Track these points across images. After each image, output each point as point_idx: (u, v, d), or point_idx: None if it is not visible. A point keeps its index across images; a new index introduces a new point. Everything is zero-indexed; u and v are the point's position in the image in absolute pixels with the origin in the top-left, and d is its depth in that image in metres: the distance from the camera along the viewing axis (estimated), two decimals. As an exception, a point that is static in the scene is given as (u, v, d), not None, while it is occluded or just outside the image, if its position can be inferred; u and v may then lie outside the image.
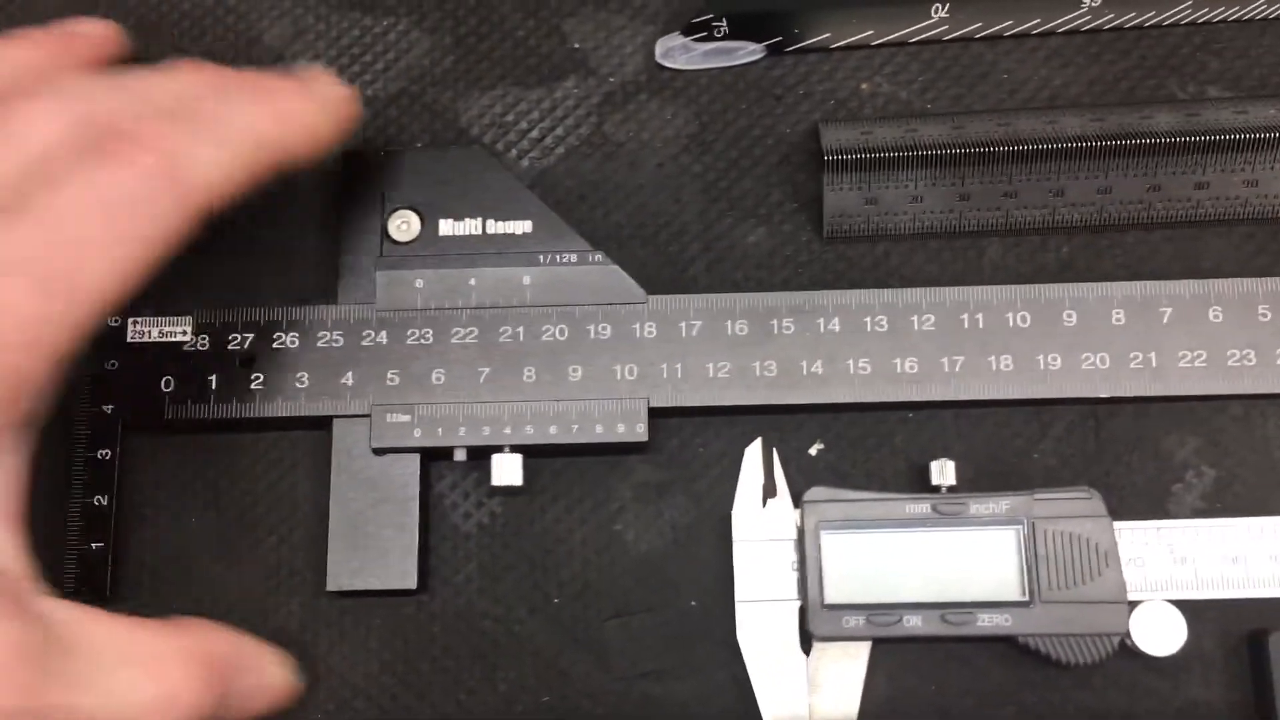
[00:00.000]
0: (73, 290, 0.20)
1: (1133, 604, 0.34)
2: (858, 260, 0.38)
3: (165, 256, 0.22)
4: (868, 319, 0.36)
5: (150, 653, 0.21)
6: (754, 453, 0.37)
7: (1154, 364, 0.36)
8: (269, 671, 0.27)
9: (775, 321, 0.37)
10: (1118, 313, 0.36)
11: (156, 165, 0.20)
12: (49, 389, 0.21)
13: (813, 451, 0.37)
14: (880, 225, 0.38)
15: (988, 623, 0.33)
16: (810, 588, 0.34)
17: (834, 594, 0.34)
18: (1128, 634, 0.34)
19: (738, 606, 0.35)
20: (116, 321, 0.36)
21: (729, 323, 0.37)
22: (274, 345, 0.37)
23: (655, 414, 0.36)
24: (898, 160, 0.36)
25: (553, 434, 0.36)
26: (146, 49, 0.40)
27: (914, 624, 0.34)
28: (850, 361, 0.36)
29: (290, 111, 0.25)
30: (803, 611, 0.34)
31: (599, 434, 0.36)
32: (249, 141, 0.23)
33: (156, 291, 0.32)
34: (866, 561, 0.34)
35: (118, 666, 0.20)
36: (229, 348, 0.37)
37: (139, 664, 0.21)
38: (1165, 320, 0.36)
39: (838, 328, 0.36)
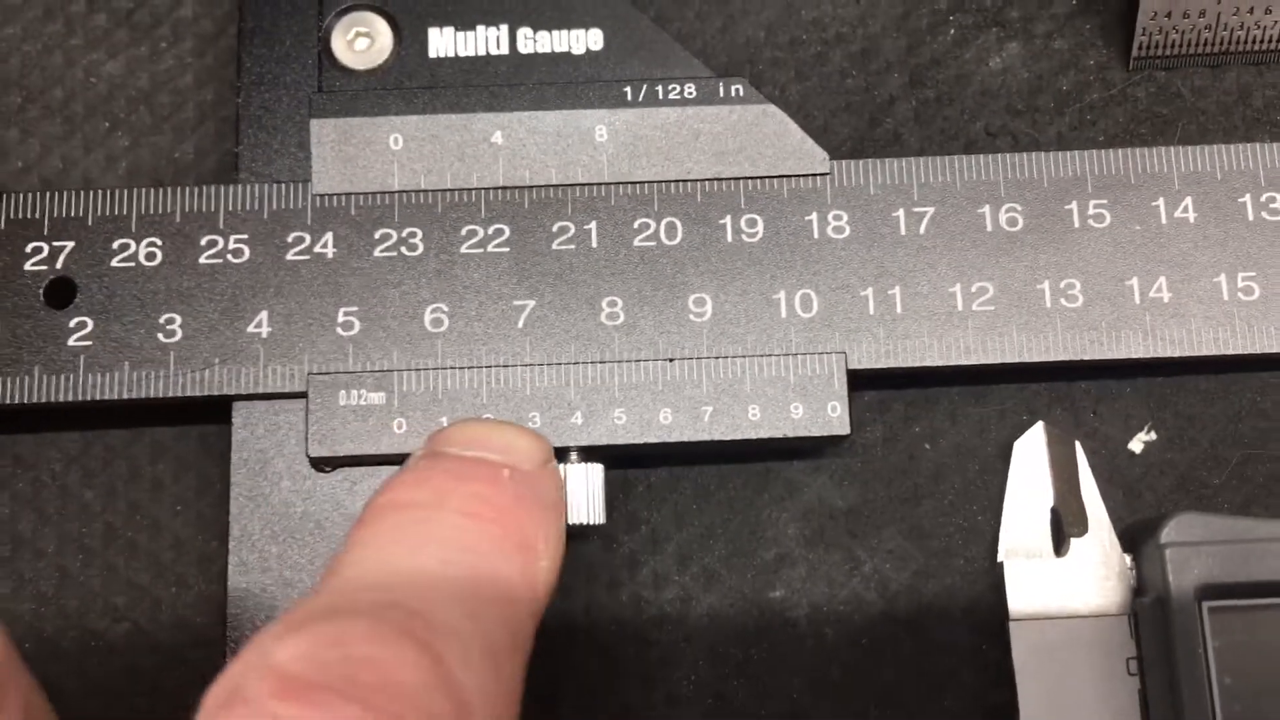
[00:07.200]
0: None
1: None
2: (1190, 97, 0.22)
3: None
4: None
5: None
6: (1032, 444, 0.20)
7: None
8: None
9: (1074, 206, 0.20)
10: None
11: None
12: None
13: (1136, 445, 0.20)
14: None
15: None
16: None
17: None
18: None
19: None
20: None
21: (985, 210, 0.20)
22: (115, 263, 0.19)
23: (857, 381, 0.19)
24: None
25: (664, 421, 0.19)
26: None
27: None
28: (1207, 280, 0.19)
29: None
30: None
31: (753, 418, 0.19)
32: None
33: None
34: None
35: None
36: (26, 268, 0.19)
37: None
38: None
39: (1190, 215, 0.20)
